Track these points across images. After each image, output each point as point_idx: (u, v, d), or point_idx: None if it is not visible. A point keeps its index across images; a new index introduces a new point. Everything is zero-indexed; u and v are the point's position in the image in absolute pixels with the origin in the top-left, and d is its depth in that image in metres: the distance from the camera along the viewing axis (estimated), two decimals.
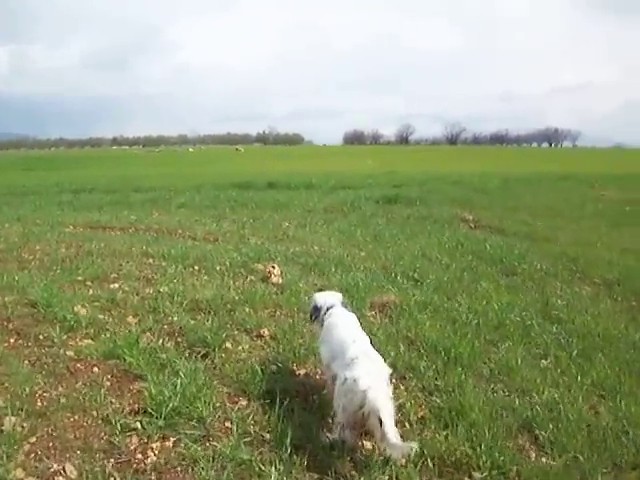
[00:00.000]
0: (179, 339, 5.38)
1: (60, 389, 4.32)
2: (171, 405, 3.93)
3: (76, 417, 3.96)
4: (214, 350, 5.07)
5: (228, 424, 3.93)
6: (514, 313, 6.48)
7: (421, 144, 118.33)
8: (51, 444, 3.63)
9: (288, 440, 3.61)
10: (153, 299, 6.39)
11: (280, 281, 7.27)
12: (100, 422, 3.91)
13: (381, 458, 3.58)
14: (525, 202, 18.18)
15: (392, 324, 6.03)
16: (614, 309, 7.07)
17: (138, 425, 3.81)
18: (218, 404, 4.13)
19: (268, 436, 3.80)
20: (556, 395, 4.54)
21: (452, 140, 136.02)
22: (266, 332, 5.59)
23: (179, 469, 3.44)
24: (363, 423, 3.70)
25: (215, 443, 3.65)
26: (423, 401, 4.45)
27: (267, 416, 4.03)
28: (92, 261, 7.96)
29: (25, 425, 3.77)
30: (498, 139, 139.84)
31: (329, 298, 4.69)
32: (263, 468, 3.40)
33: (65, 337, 5.22)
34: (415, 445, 3.49)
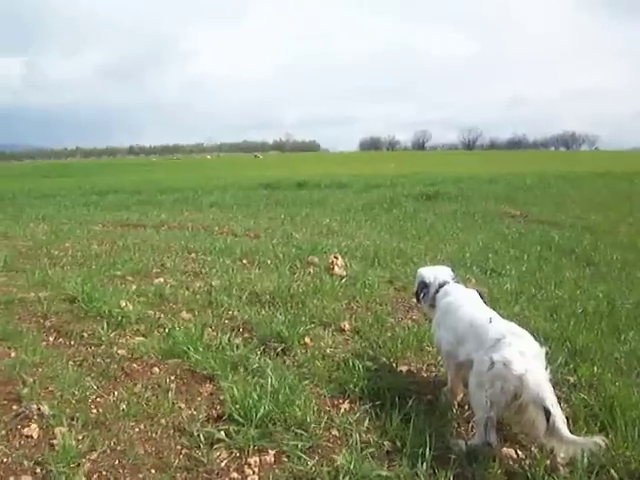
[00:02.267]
0: (246, 334, 4.57)
1: (116, 393, 3.52)
2: (262, 410, 3.10)
3: (142, 426, 3.15)
4: (292, 346, 4.25)
5: (335, 432, 3.09)
6: (621, 301, 5.61)
7: (438, 150, 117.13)
8: (117, 461, 2.82)
9: (426, 451, 2.75)
10: (206, 293, 5.63)
11: (344, 273, 6.45)
12: (173, 432, 3.10)
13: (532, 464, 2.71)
14: (570, 197, 17.26)
15: None
16: None
17: (223, 435, 2.98)
18: (316, 408, 3.28)
19: (390, 445, 2.95)
20: None
21: (469, 145, 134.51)
22: (347, 325, 4.76)
23: None
24: (518, 419, 2.87)
25: (332, 456, 2.80)
26: (562, 399, 3.56)
27: (381, 422, 3.17)
28: (130, 256, 7.22)
29: (82, 438, 2.97)
30: (515, 144, 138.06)
31: (439, 273, 3.85)
32: None
33: (113, 334, 4.45)
34: (602, 440, 2.64)
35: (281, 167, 35.36)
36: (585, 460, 2.70)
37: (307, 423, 3.07)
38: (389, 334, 4.58)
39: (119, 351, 4.12)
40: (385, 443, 2.96)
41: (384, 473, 2.63)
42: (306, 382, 3.61)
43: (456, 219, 12.25)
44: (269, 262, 7.14)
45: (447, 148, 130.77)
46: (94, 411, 3.29)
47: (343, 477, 2.60)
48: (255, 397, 3.22)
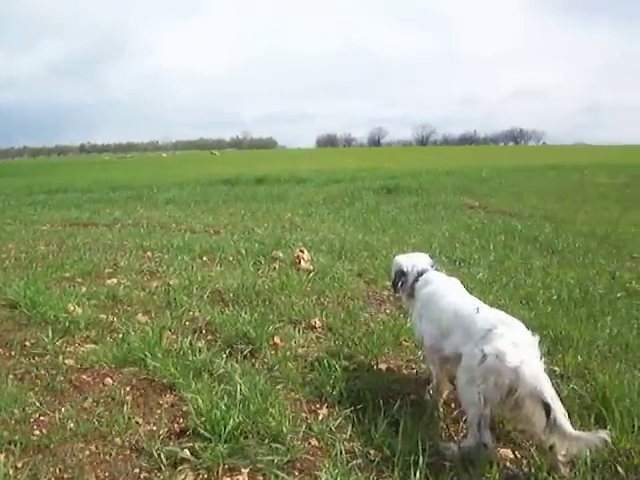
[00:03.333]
0: (210, 337, 4.19)
1: (63, 410, 3.09)
2: (232, 422, 2.75)
3: (93, 448, 2.75)
4: (260, 347, 3.91)
5: (315, 442, 2.77)
6: (593, 287, 5.54)
7: (393, 146, 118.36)
8: None
9: (419, 458, 2.47)
10: (164, 293, 5.20)
11: (311, 267, 6.14)
12: (130, 453, 2.71)
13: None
14: (525, 189, 17.53)
15: None
16: None
17: (188, 454, 2.62)
18: (292, 416, 2.95)
19: (377, 454, 2.65)
20: None
21: (423, 142, 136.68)
22: (318, 322, 4.45)
23: None
24: (515, 415, 2.65)
25: (314, 472, 2.49)
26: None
27: (364, 427, 2.88)
28: (80, 256, 6.68)
29: (22, 465, 2.55)
30: (467, 140, 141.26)
31: (418, 261, 3.59)
32: None
33: (59, 342, 3.98)
34: (606, 435, 2.42)
35: (239, 164, 34.66)
36: (589, 457, 2.50)
37: (283, 434, 2.74)
38: (364, 330, 4.31)
39: (66, 361, 3.67)
40: (371, 452, 2.67)
41: None
42: (279, 387, 3.29)
43: (418, 211, 12.14)
44: (231, 258, 6.75)
45: (402, 144, 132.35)
46: (37, 432, 2.85)
47: None
48: (223, 407, 2.86)
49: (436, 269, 3.59)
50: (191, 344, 3.94)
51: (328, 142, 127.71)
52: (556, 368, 3.59)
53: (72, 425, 2.89)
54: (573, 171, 25.28)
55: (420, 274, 3.49)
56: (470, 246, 7.87)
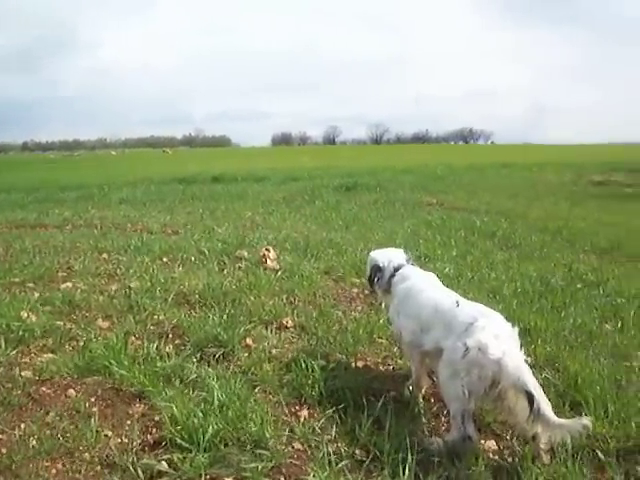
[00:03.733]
0: (178, 341, 4.01)
1: (23, 426, 2.86)
2: (210, 430, 2.61)
3: (60, 466, 2.55)
4: (233, 349, 3.76)
5: (298, 445, 2.67)
6: (554, 280, 5.69)
7: (347, 144, 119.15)
8: None
9: (408, 456, 2.41)
10: (125, 296, 4.95)
11: (278, 266, 6.01)
12: (101, 469, 2.53)
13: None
14: (479, 186, 17.97)
15: None
16: (626, 272, 6.57)
17: (166, 466, 2.46)
18: (273, 420, 2.84)
19: (364, 454, 2.58)
20: None
21: (376, 140, 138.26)
22: (290, 322, 4.34)
23: None
24: (498, 407, 2.66)
25: (301, 476, 2.38)
26: None
27: (347, 427, 2.80)
28: (29, 260, 6.29)
29: None
30: (419, 139, 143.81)
31: (393, 256, 3.56)
32: None
33: (14, 353, 3.69)
34: (588, 421, 2.45)
35: (193, 162, 33.92)
36: (569, 443, 2.52)
37: (265, 439, 2.62)
38: (337, 328, 4.23)
39: (23, 373, 3.40)
40: (357, 452, 2.59)
41: None
42: (256, 390, 3.16)
43: (378, 208, 12.20)
44: (193, 259, 6.53)
45: (356, 143, 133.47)
46: None
47: None
48: (200, 415, 2.72)
49: (412, 264, 3.55)
50: (158, 349, 3.75)
51: (283, 140, 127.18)
52: (527, 358, 3.62)
53: (35, 442, 2.67)
54: (523, 169, 26.16)
55: (396, 269, 3.45)
56: (432, 242, 7.94)
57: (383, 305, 4.51)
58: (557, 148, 58.10)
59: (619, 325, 4.30)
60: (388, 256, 3.55)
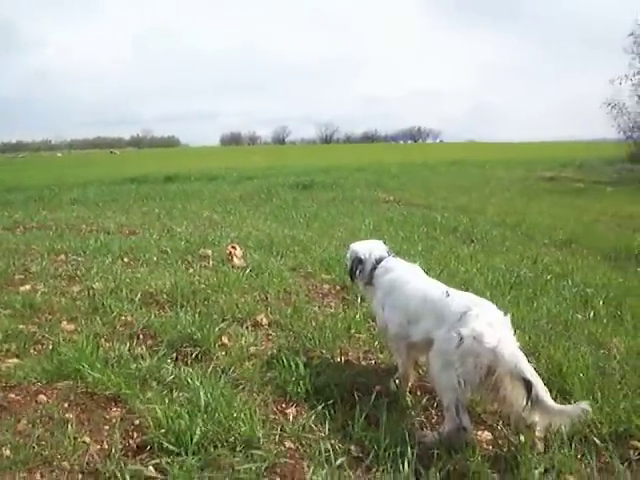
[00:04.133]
0: (150, 341, 3.86)
1: None
2: (198, 432, 2.51)
3: (38, 476, 2.39)
4: (209, 349, 3.65)
5: (290, 444, 2.60)
6: (523, 271, 5.86)
7: (297, 144, 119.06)
8: None
9: (406, 451, 2.39)
10: (88, 298, 4.73)
11: (245, 264, 5.90)
12: (83, 476, 2.38)
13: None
14: (434, 183, 18.32)
15: None
16: (588, 263, 6.86)
17: (153, 471, 2.35)
18: (262, 418, 2.76)
19: (358, 450, 2.54)
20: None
21: (326, 140, 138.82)
22: (264, 319, 4.26)
23: None
24: (494, 396, 2.65)
25: (298, 476, 2.32)
26: None
27: (338, 424, 2.76)
28: None
29: None
30: (369, 138, 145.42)
31: (374, 248, 3.54)
32: None
33: None
34: (587, 405, 2.50)
35: (143, 162, 33.02)
36: (564, 431, 2.57)
37: (256, 439, 2.54)
38: (313, 324, 4.17)
39: None
40: (352, 448, 2.55)
41: None
42: (239, 389, 3.07)
43: (337, 205, 12.23)
44: (156, 259, 6.31)
45: (306, 142, 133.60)
46: None
47: None
48: (186, 416, 2.61)
49: (393, 256, 3.55)
50: (131, 351, 3.60)
51: (232, 140, 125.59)
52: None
53: (8, 452, 2.49)
54: (474, 166, 26.87)
55: (378, 261, 3.43)
56: (396, 238, 8.00)
57: (363, 299, 4.52)
58: (504, 146, 60.09)
59: (591, 314, 4.44)
60: (369, 248, 3.53)
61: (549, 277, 5.64)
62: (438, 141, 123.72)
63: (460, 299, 2.85)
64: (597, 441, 2.60)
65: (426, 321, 2.90)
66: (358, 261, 3.49)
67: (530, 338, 3.82)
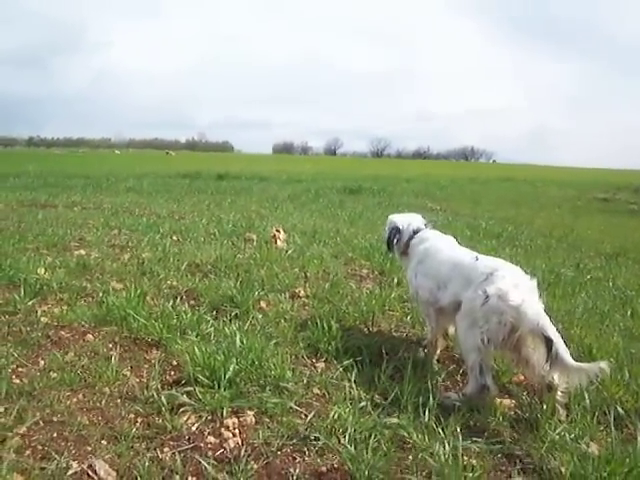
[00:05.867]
0: (192, 302, 4.05)
1: (42, 363, 2.89)
2: (232, 370, 2.64)
3: (81, 396, 2.58)
4: (248, 310, 3.80)
5: (317, 390, 2.71)
6: (563, 270, 5.81)
7: (348, 156, 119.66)
8: (55, 433, 2.25)
9: (429, 400, 2.45)
10: (138, 264, 4.99)
11: (286, 247, 6.06)
12: (122, 401, 2.56)
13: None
14: (482, 196, 18.09)
15: None
16: (633, 271, 6.68)
17: (187, 399, 2.50)
18: (292, 368, 2.87)
19: (382, 398, 2.61)
20: None
21: (378, 154, 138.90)
22: (302, 292, 4.38)
23: (287, 450, 2.19)
24: (516, 354, 2.71)
25: (327, 412, 2.41)
26: None
27: (364, 378, 2.83)
28: (43, 229, 6.35)
29: (3, 410, 2.36)
30: (420, 155, 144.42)
31: (413, 220, 3.62)
32: (415, 438, 2.22)
33: (31, 303, 3.72)
34: (606, 365, 2.47)
35: (196, 162, 34.07)
36: (587, 399, 2.56)
37: (285, 381, 2.66)
38: (349, 299, 4.26)
39: (42, 319, 3.45)
40: (376, 396, 2.63)
41: (394, 420, 2.29)
42: (272, 343, 3.20)
43: (382, 209, 12.27)
44: (203, 238, 6.58)
45: (357, 155, 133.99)
46: (16, 381, 2.65)
47: (344, 431, 2.23)
48: (221, 356, 2.75)
49: (431, 228, 3.61)
50: (173, 307, 3.79)
51: (284, 149, 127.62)
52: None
53: (55, 375, 2.70)
54: (526, 184, 26.35)
55: (415, 232, 3.50)
56: None
57: (399, 282, 4.59)
58: (559, 169, 58.44)
59: (629, 313, 4.35)
60: (407, 219, 3.62)
61: (589, 277, 5.53)
62: (491, 161, 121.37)
63: (488, 262, 2.90)
64: (621, 411, 2.57)
65: (454, 284, 2.95)
66: (396, 231, 3.57)
67: (562, 326, 3.78)
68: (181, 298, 4.09)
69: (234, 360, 2.71)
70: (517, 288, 2.61)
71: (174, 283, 4.49)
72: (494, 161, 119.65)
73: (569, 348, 3.37)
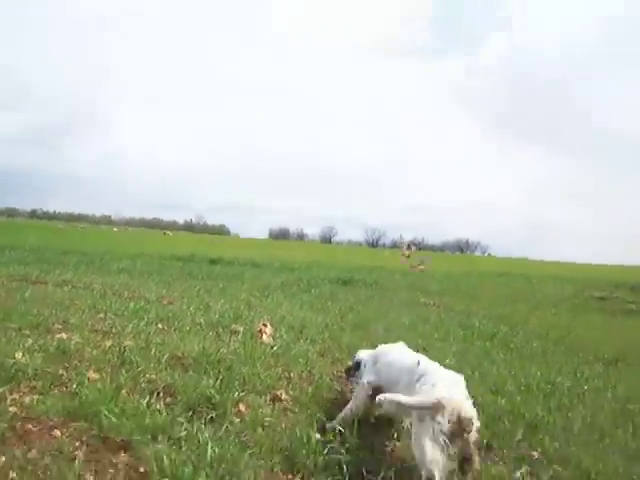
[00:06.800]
0: (169, 399, 3.87)
1: (4, 459, 2.70)
2: None
3: None
4: (225, 413, 3.63)
5: None
6: (559, 379, 5.67)
7: (343, 244, 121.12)
8: None
9: None
10: (118, 353, 4.83)
11: (273, 342, 5.92)
12: None
13: None
14: (478, 291, 18.11)
15: None
16: (634, 379, 6.55)
17: None
18: None
19: None
20: None
21: (372, 244, 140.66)
22: (284, 394, 4.21)
23: None
24: None
25: None
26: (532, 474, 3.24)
27: None
28: (28, 309, 6.23)
29: None
30: (415, 246, 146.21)
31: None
32: None
33: (3, 389, 3.55)
34: None
35: (193, 245, 34.35)
36: None
37: None
38: (332, 404, 4.09)
39: (10, 408, 3.27)
40: None
41: None
42: (247, 454, 3.01)
43: (375, 302, 12.23)
44: (188, 327, 6.44)
45: (352, 244, 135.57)
46: None
47: None
48: (191, 467, 2.58)
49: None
50: (148, 405, 3.62)
51: (280, 235, 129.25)
52: (534, 453, 3.50)
53: (14, 475, 2.51)
54: (521, 279, 26.45)
55: None
56: (430, 337, 7.89)
57: None
58: (555, 264, 58.97)
59: (630, 429, 4.18)
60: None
61: (586, 388, 5.37)
62: (486, 254, 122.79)
63: None
64: None
65: None
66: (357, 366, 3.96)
67: (559, 444, 3.61)
68: (158, 394, 3.92)
69: (204, 473, 2.54)
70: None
71: (153, 377, 4.31)
72: (489, 254, 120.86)
73: (565, 470, 3.23)
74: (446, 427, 2.79)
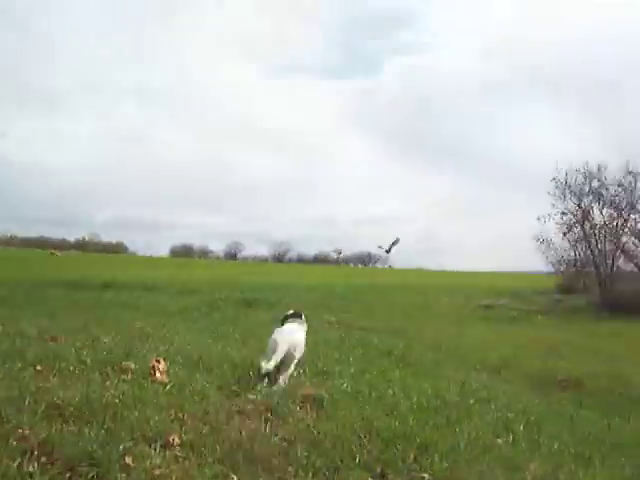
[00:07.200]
0: (44, 459, 3.50)
1: None
2: None
3: None
4: (109, 469, 3.34)
5: None
6: (448, 395, 5.91)
7: (249, 260, 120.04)
8: None
9: None
10: None
11: (167, 379, 5.62)
12: None
13: None
14: (377, 305, 18.74)
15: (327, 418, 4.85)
16: (513, 389, 7.07)
17: None
18: None
19: None
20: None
21: (279, 258, 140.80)
22: (176, 439, 3.98)
23: None
24: None
25: None
26: None
27: None
28: None
29: None
30: (321, 259, 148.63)
31: None
32: None
33: None
34: None
35: (84, 267, 32.26)
36: None
37: None
38: (228, 446, 3.93)
39: None
40: None
41: None
42: None
43: (277, 324, 12.13)
44: (72, 369, 5.94)
45: (258, 260, 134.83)
46: None
47: None
48: None
49: None
50: (19, 469, 3.25)
51: (183, 252, 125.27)
52: (425, 475, 3.59)
53: None
54: (418, 292, 27.75)
55: None
56: (330, 358, 7.97)
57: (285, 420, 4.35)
58: (448, 274, 62.63)
59: (510, 438, 4.45)
60: None
61: (473, 401, 5.68)
62: (387, 266, 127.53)
63: None
64: None
65: None
66: None
67: (447, 463, 3.73)
68: (31, 454, 3.53)
69: None
70: None
71: (26, 432, 3.89)
72: (390, 266, 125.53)
73: None
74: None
